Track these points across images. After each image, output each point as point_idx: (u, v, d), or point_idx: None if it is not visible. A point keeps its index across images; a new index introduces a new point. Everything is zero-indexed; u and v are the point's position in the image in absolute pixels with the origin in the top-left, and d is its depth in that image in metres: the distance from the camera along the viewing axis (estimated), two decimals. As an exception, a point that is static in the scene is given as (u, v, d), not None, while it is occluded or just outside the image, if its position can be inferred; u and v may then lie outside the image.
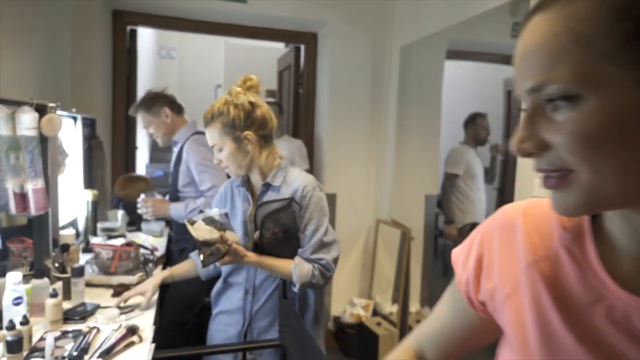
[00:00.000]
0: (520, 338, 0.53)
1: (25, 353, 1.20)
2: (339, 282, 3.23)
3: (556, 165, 0.44)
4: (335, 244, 1.48)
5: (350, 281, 3.39)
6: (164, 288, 1.91)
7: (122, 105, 3.14)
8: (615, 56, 0.39)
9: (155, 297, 1.71)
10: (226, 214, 1.54)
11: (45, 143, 1.61)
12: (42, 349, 1.23)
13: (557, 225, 0.53)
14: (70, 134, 2.24)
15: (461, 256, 0.64)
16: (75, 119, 2.33)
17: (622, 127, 0.39)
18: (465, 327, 0.67)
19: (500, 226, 0.58)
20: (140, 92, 3.69)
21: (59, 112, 1.68)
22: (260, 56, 5.00)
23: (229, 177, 1.73)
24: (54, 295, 1.41)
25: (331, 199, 3.04)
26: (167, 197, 2.42)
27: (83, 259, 1.91)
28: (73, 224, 2.30)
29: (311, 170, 3.32)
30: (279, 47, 5.10)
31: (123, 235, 2.45)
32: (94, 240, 2.31)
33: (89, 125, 2.62)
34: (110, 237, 2.38)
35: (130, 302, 1.61)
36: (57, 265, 1.64)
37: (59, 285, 1.59)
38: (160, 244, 2.35)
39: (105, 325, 1.45)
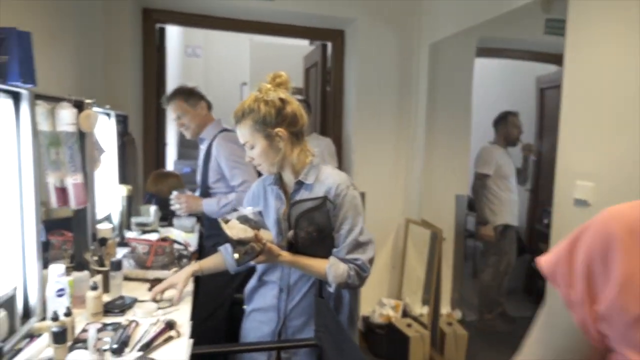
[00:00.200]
0: None
1: (69, 344, 1.22)
2: (368, 282, 3.13)
3: None
4: (371, 244, 1.45)
5: (379, 281, 3.36)
6: (196, 282, 1.91)
7: (152, 102, 3.18)
8: None
9: (190, 289, 1.72)
10: (260, 212, 1.53)
11: (83, 139, 1.64)
12: (85, 341, 1.25)
13: None
14: (104, 130, 2.27)
15: (561, 268, 0.52)
16: (109, 115, 2.37)
17: None
18: None
19: (621, 230, 0.48)
20: (169, 90, 3.74)
21: (94, 108, 1.71)
22: (285, 54, 5.00)
23: (259, 173, 1.73)
24: (94, 288, 1.43)
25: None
26: (196, 194, 2.43)
27: (119, 253, 1.94)
28: (108, 218, 2.33)
29: (339, 168, 3.30)
30: (304, 45, 5.11)
31: (156, 230, 2.49)
32: (128, 234, 2.36)
33: (122, 122, 2.67)
34: (144, 232, 2.42)
35: (164, 295, 1.62)
36: (96, 258, 1.66)
37: (98, 278, 1.62)
38: (192, 240, 2.37)
39: (144, 319, 1.46)
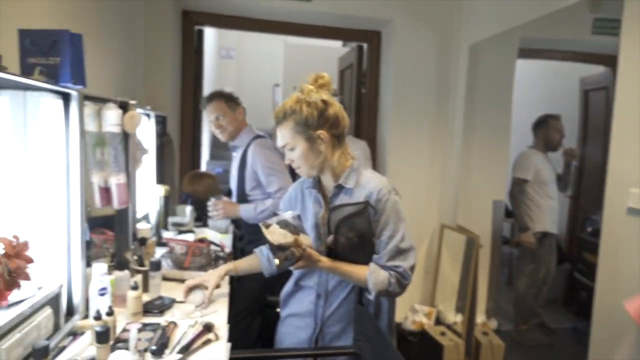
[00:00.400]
0: None
1: (110, 343, 1.23)
2: (402, 287, 3.14)
3: None
4: (412, 251, 1.41)
5: (412, 287, 3.21)
6: (231, 283, 1.90)
7: (189, 103, 3.22)
8: None
9: (226, 290, 1.72)
10: (298, 216, 1.51)
11: (126, 139, 1.66)
12: (125, 340, 1.26)
13: None
14: (145, 131, 2.31)
15: None
16: (149, 116, 2.40)
17: None
18: None
19: None
20: (207, 91, 3.78)
21: (137, 109, 1.72)
22: (318, 55, 4.99)
23: (294, 179, 1.70)
24: (134, 287, 1.44)
25: (394, 201, 2.96)
26: (233, 199, 2.44)
27: (158, 252, 1.95)
28: (146, 217, 2.37)
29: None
30: (337, 47, 5.09)
31: (191, 231, 2.51)
32: (165, 234, 2.38)
33: (161, 123, 2.70)
34: (180, 232, 2.45)
35: (192, 296, 1.61)
36: (135, 258, 1.68)
37: (138, 277, 1.63)
38: (226, 241, 2.38)
39: (182, 320, 1.47)
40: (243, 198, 2.29)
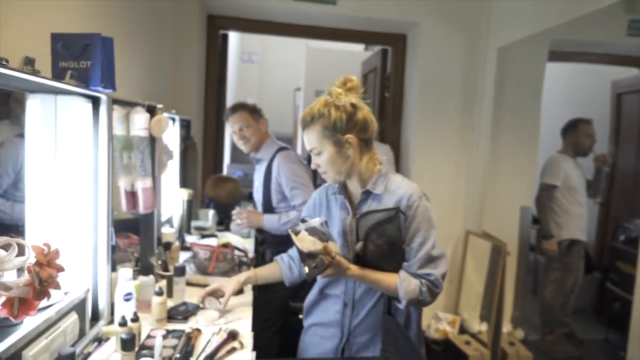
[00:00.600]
0: None
1: (136, 349, 1.22)
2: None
3: None
4: (444, 258, 1.36)
5: None
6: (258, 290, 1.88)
7: (213, 107, 3.23)
8: None
9: (250, 299, 1.69)
10: (326, 223, 1.47)
11: (153, 143, 1.66)
12: (150, 347, 1.24)
13: None
14: (170, 135, 2.31)
15: None
16: (174, 120, 2.41)
17: None
18: None
19: None
20: (229, 95, 3.80)
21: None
22: (341, 59, 4.96)
23: (315, 183, 1.66)
24: (159, 293, 1.43)
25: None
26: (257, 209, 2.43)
27: (181, 257, 1.94)
28: (169, 221, 2.37)
29: (397, 176, 3.21)
30: (359, 51, 5.06)
31: (214, 235, 2.50)
32: (188, 238, 2.38)
33: (185, 127, 2.71)
34: (203, 236, 2.44)
35: (209, 302, 1.58)
36: (160, 262, 1.67)
37: (162, 283, 1.62)
38: (249, 245, 2.36)
39: (206, 327, 1.45)
40: (270, 211, 2.29)
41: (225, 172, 4.75)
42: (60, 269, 0.60)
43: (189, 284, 1.78)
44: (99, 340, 1.26)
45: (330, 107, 1.34)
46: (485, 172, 3.07)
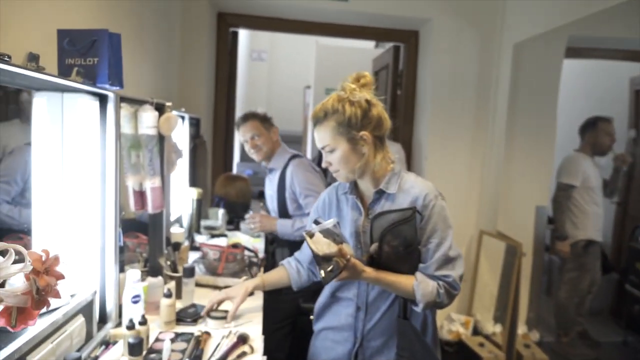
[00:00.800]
0: None
1: (143, 353, 1.19)
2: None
3: None
4: (460, 259, 1.32)
5: None
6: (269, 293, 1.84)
7: (222, 105, 3.20)
8: None
9: (260, 303, 1.66)
10: (338, 224, 1.43)
11: (162, 142, 1.63)
12: (159, 351, 1.21)
13: None
14: (179, 133, 2.28)
15: None
16: (183, 118, 2.38)
17: None
18: None
19: None
20: (239, 94, 3.77)
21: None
22: (351, 57, 4.90)
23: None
24: (168, 295, 1.40)
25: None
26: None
27: (190, 257, 1.92)
28: (179, 221, 2.34)
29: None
30: (370, 48, 5.01)
31: (224, 235, 2.47)
32: (198, 238, 2.35)
33: (194, 125, 2.68)
34: (212, 236, 2.41)
35: (215, 313, 1.52)
36: (169, 263, 1.64)
37: (171, 284, 1.59)
38: (259, 245, 2.33)
39: (215, 330, 1.41)
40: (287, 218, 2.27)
41: (235, 170, 4.73)
42: (60, 277, 0.56)
43: (198, 284, 1.75)
44: (107, 343, 1.23)
45: (344, 102, 1.29)
46: (499, 171, 3.00)
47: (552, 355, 3.00)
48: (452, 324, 3.05)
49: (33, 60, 0.93)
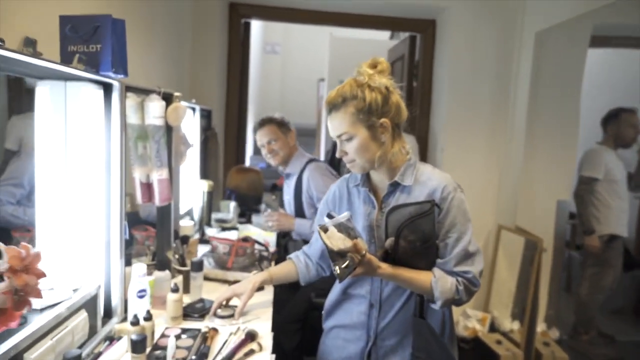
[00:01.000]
0: None
1: (148, 349, 1.15)
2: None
3: None
4: (480, 254, 1.25)
5: None
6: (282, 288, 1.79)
7: (235, 97, 3.16)
8: None
9: (270, 298, 1.61)
10: (351, 218, 1.36)
11: (169, 133, 1.58)
12: (164, 347, 1.17)
13: None
14: (189, 125, 2.24)
15: None
16: (194, 109, 2.34)
17: None
18: None
19: None
20: (251, 86, 3.72)
21: (182, 102, 1.65)
22: (366, 48, 4.79)
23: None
24: (175, 290, 1.36)
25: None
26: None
27: (200, 250, 1.88)
28: (189, 213, 2.31)
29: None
30: (385, 40, 4.91)
31: (235, 228, 2.43)
32: (208, 231, 2.32)
33: (206, 117, 2.65)
34: (223, 229, 2.38)
35: (222, 311, 1.46)
36: (177, 257, 1.61)
37: (179, 279, 1.56)
38: (271, 239, 2.29)
39: (223, 327, 1.37)
40: None
41: (248, 163, 4.70)
42: (41, 275, 0.52)
43: (207, 278, 1.71)
44: (111, 338, 1.20)
45: (364, 88, 1.22)
46: (519, 163, 2.91)
47: (572, 353, 2.91)
48: (468, 320, 2.98)
49: (30, 45, 0.89)
